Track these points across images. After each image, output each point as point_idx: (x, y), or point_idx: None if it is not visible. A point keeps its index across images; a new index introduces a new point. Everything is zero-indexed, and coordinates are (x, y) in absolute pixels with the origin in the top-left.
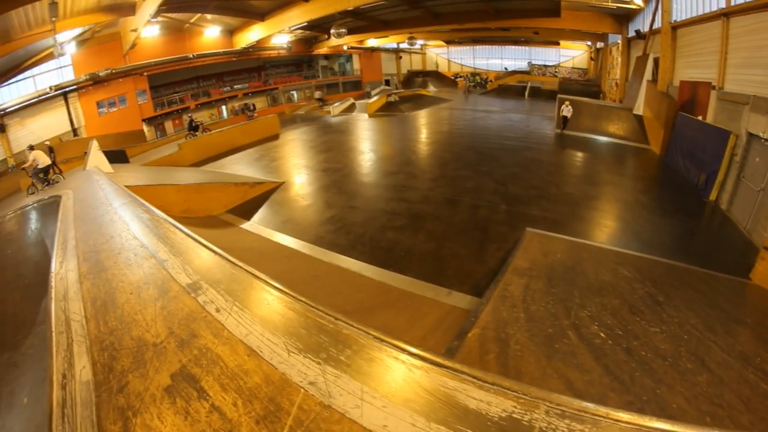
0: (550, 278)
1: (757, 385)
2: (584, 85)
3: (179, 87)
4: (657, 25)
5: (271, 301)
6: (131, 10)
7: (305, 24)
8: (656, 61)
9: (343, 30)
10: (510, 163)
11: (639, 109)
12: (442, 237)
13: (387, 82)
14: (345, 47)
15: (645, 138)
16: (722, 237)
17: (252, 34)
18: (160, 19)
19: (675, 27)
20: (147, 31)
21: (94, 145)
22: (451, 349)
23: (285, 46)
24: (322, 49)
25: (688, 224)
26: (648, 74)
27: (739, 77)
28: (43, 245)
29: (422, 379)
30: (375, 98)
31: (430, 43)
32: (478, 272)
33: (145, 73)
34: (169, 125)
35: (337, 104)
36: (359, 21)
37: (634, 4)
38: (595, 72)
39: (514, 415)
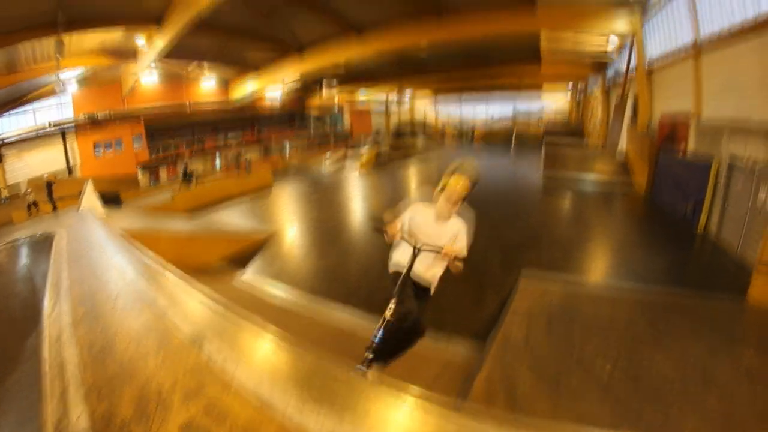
0: (550, 318)
1: None
2: (568, 129)
3: (175, 134)
4: (634, 68)
5: (278, 351)
6: (133, 55)
7: (298, 77)
8: (635, 101)
9: (333, 83)
10: (502, 211)
11: (622, 149)
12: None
13: (377, 136)
14: (336, 102)
15: (630, 176)
16: (715, 262)
17: (247, 86)
18: (159, 65)
19: (650, 71)
20: (147, 77)
21: (89, 186)
22: (460, 394)
23: (278, 99)
24: (315, 103)
25: (680, 255)
26: (628, 115)
27: (715, 105)
28: (32, 282)
29: (443, 422)
30: (365, 152)
31: (418, 95)
32: (478, 317)
33: (143, 119)
34: (163, 172)
35: (328, 158)
36: (349, 75)
37: (607, 58)
38: (578, 115)
39: None
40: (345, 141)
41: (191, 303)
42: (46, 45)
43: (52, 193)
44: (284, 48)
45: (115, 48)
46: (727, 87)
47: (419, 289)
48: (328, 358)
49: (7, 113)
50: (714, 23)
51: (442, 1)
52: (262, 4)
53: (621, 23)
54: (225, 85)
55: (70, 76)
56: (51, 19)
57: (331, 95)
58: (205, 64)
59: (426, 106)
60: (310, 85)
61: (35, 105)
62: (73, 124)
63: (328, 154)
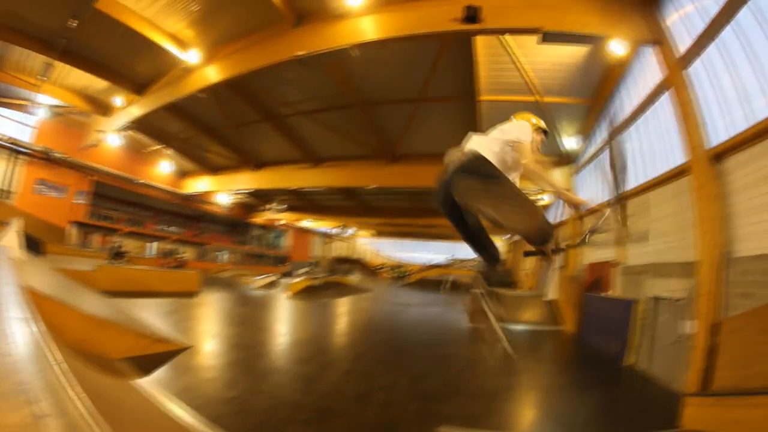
0: None
1: None
2: (500, 276)
3: (118, 206)
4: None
5: None
6: (107, 111)
7: (250, 191)
8: None
9: (283, 206)
10: (424, 359)
11: (550, 294)
12: None
13: (314, 264)
14: (281, 222)
15: (558, 321)
16: (646, 396)
17: (200, 184)
18: (126, 133)
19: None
20: (111, 138)
21: (19, 224)
22: None
23: (226, 205)
24: (260, 219)
25: (610, 393)
26: (558, 262)
27: (638, 250)
28: None
29: None
30: (299, 279)
31: (361, 232)
32: None
33: (93, 177)
34: (95, 239)
35: (261, 277)
36: (298, 200)
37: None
38: (512, 262)
39: None
40: (282, 262)
41: (78, 416)
42: (36, 61)
43: None
44: (244, 158)
45: (95, 97)
46: (648, 233)
47: None
48: None
49: None
50: (638, 174)
51: (395, 147)
52: (238, 114)
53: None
54: (180, 175)
55: (47, 102)
56: (52, 40)
57: (277, 215)
58: (168, 149)
59: (366, 243)
60: (259, 201)
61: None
62: (29, 150)
63: (262, 272)
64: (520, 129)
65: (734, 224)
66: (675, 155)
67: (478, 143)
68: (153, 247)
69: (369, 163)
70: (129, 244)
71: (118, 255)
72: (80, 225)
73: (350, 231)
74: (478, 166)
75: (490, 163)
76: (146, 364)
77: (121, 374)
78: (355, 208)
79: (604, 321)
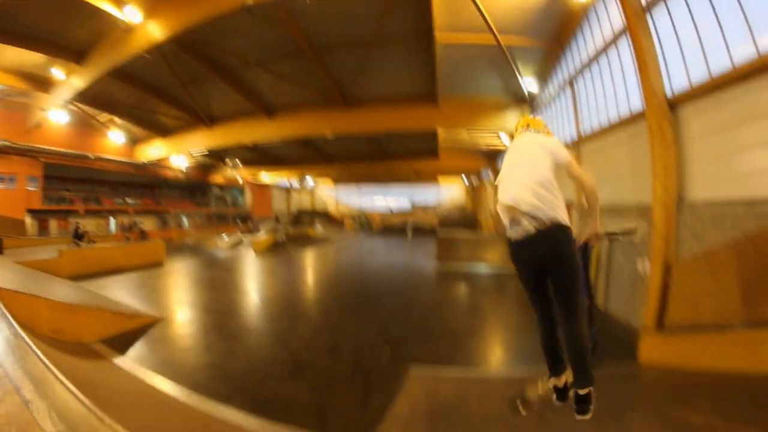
0: (431, 421)
1: None
2: (463, 219)
3: (72, 185)
4: None
5: None
6: (47, 86)
7: (206, 151)
8: None
9: (238, 161)
10: (393, 304)
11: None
12: (324, 387)
13: (277, 219)
14: (239, 180)
15: None
16: (606, 333)
17: (154, 150)
18: (70, 107)
19: None
20: (56, 115)
21: None
22: None
23: (183, 169)
24: (218, 179)
25: None
26: None
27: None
28: None
29: None
30: (263, 235)
31: (320, 181)
32: (365, 422)
33: (42, 160)
34: (53, 225)
35: (225, 238)
36: (255, 154)
37: (503, 145)
38: (473, 205)
39: None
40: (244, 221)
41: (59, 398)
42: None
43: None
44: (196, 117)
45: (32, 74)
46: (604, 175)
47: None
48: None
49: None
50: (592, 119)
51: (350, 93)
52: (185, 70)
53: (511, 120)
54: (132, 143)
55: None
56: None
57: (235, 172)
58: (117, 118)
59: (327, 193)
60: (215, 160)
61: None
62: None
63: (225, 233)
64: (558, 146)
65: (687, 171)
66: (633, 100)
67: (530, 188)
68: (113, 223)
69: (325, 110)
70: (88, 224)
71: (78, 237)
72: (36, 212)
73: (310, 182)
74: (558, 239)
75: (568, 230)
76: (122, 342)
77: (99, 356)
78: (314, 157)
79: None
